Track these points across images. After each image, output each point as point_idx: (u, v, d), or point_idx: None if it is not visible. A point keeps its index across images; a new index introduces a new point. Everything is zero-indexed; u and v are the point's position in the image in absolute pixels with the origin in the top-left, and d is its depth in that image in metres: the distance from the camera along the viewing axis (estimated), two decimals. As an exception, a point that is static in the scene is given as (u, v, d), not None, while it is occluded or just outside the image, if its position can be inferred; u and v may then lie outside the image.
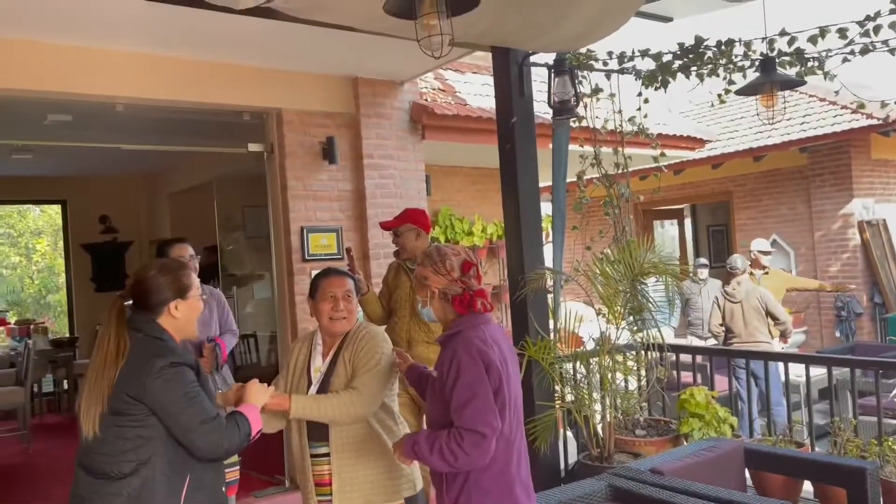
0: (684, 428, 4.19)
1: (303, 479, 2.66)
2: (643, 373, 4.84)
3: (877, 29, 3.43)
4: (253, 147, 5.15)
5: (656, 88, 4.23)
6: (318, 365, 2.67)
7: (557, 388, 4.29)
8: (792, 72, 3.76)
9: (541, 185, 4.64)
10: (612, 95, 4.62)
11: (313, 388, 2.62)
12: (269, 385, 2.55)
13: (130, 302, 2.17)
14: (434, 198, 6.44)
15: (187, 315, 2.22)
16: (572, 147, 4.71)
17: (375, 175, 5.30)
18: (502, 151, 4.30)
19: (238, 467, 3.14)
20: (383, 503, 2.57)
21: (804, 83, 3.84)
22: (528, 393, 4.14)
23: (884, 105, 4.64)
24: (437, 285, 2.32)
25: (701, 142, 7.16)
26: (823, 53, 3.60)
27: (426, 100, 5.65)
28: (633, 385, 4.87)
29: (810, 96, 9.67)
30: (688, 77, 4.04)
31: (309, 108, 5.12)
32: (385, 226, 4.19)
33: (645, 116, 4.37)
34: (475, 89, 6.29)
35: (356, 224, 5.24)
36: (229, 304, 4.10)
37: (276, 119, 5.07)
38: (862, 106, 4.71)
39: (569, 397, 4.38)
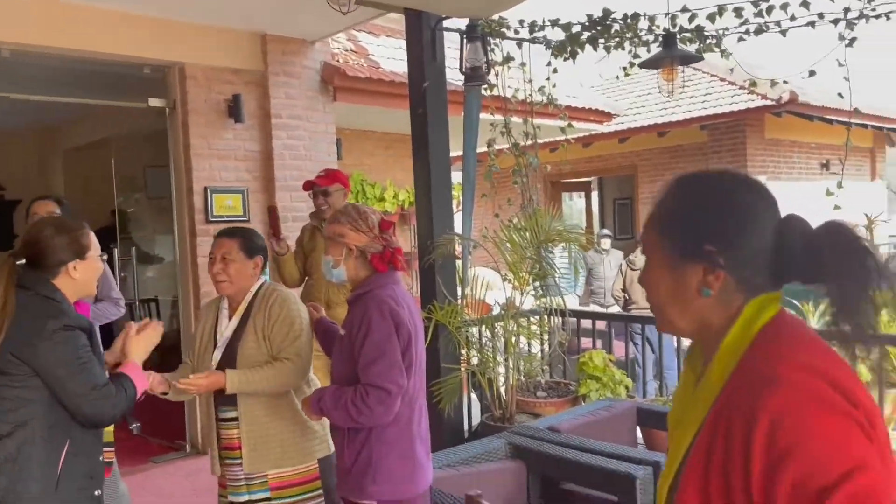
0: (583, 389, 4.37)
1: (211, 444, 2.62)
2: (546, 337, 5.01)
3: (769, 10, 3.60)
4: (154, 102, 4.92)
5: (565, 59, 4.31)
6: (223, 328, 2.61)
7: (463, 351, 4.39)
8: (692, 48, 3.91)
9: (453, 154, 4.68)
10: (522, 65, 4.67)
11: (217, 352, 2.56)
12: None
13: (23, 261, 2.05)
14: (346, 162, 6.35)
15: (86, 276, 2.12)
16: (484, 115, 4.75)
17: (284, 136, 5.17)
18: (414, 116, 4.29)
19: (113, 449, 3.01)
20: (296, 465, 2.54)
21: (702, 59, 4.00)
22: (435, 356, 4.21)
23: (773, 83, 4.89)
24: (357, 242, 2.30)
25: (608, 115, 7.35)
26: (721, 31, 3.76)
27: (338, 61, 5.54)
28: (536, 349, 5.04)
29: (712, 76, 10.09)
30: (595, 49, 4.13)
31: (214, 64, 4.93)
32: (317, 183, 4.01)
33: (553, 86, 4.44)
34: (389, 53, 6.22)
35: (263, 185, 5.12)
36: (129, 268, 3.92)
37: (178, 74, 4.86)
38: (754, 84, 4.95)
39: (474, 360, 4.48)
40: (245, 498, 2.55)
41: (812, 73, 3.38)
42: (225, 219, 4.82)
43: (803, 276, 1.02)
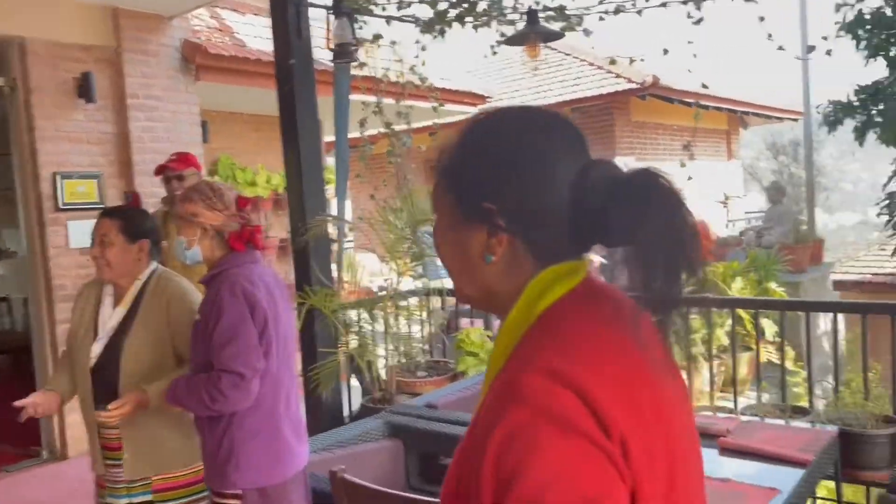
0: (461, 366, 4.41)
1: (91, 445, 2.40)
2: (426, 318, 5.02)
3: (627, -10, 3.74)
4: (-10, 81, 4.50)
5: (434, 37, 4.30)
6: (105, 317, 2.37)
7: (344, 335, 4.32)
8: (556, 27, 4.00)
9: (327, 139, 4.57)
10: (393, 43, 4.62)
11: (98, 345, 2.33)
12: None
13: None
14: (212, 145, 6.08)
15: None
16: (356, 96, 4.67)
17: (142, 117, 4.87)
18: (281, 95, 4.14)
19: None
20: (181, 468, 2.36)
21: (563, 36, 4.10)
22: (311, 341, 4.12)
23: (632, 61, 5.10)
24: (212, 221, 2.17)
25: (482, 98, 7.44)
26: (582, 11, 3.87)
27: (200, 38, 5.27)
28: (416, 330, 5.04)
29: (581, 60, 10.45)
30: (463, 26, 4.14)
31: (60, 40, 4.55)
32: (169, 168, 3.79)
33: (423, 64, 4.43)
34: (255, 31, 5.98)
35: (120, 170, 4.80)
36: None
37: (18, 50, 4.45)
38: (613, 62, 5.13)
39: (353, 344, 4.42)
40: (125, 501, 2.35)
41: (665, 52, 3.55)
42: (77, 206, 4.48)
43: (608, 236, 0.85)
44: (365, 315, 4.50)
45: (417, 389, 4.33)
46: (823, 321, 6.44)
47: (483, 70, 11.40)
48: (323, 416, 4.11)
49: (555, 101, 9.89)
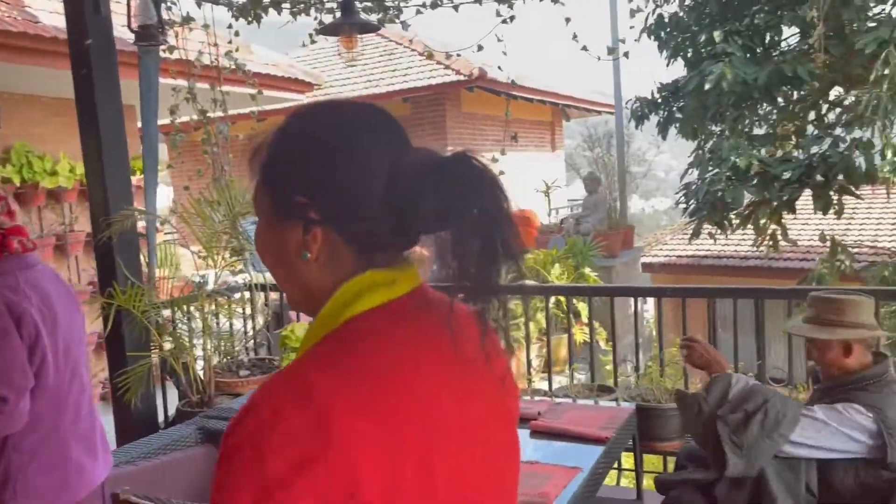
0: (285, 363, 4.30)
1: None
2: (248, 314, 4.84)
3: (443, -16, 3.79)
4: None
5: (249, 22, 4.12)
6: None
7: (159, 337, 4.05)
8: (374, 18, 3.97)
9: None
10: (206, 26, 4.37)
11: None
12: None
13: None
14: (5, 131, 5.47)
15: None
16: (166, 80, 4.38)
17: None
18: (77, 77, 3.78)
19: None
20: None
21: (379, 28, 4.08)
22: (119, 345, 3.84)
23: (448, 56, 5.20)
24: None
25: (310, 85, 7.27)
26: (400, 3, 3.87)
27: (-19, 11, 4.70)
28: (240, 327, 4.84)
29: (412, 50, 10.51)
30: (279, 13, 4.00)
31: None
32: None
33: (237, 50, 4.23)
34: (52, 6, 5.42)
35: None
36: None
37: None
38: (430, 55, 5.20)
39: (168, 345, 4.16)
40: None
41: (480, 48, 3.64)
42: None
43: (424, 222, 0.82)
44: (189, 314, 4.27)
45: (238, 389, 4.17)
46: (633, 302, 6.97)
47: (314, 56, 11.17)
48: (134, 424, 3.84)
49: (385, 91, 9.90)
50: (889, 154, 5.30)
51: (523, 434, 2.93)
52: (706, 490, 2.48)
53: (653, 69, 8.49)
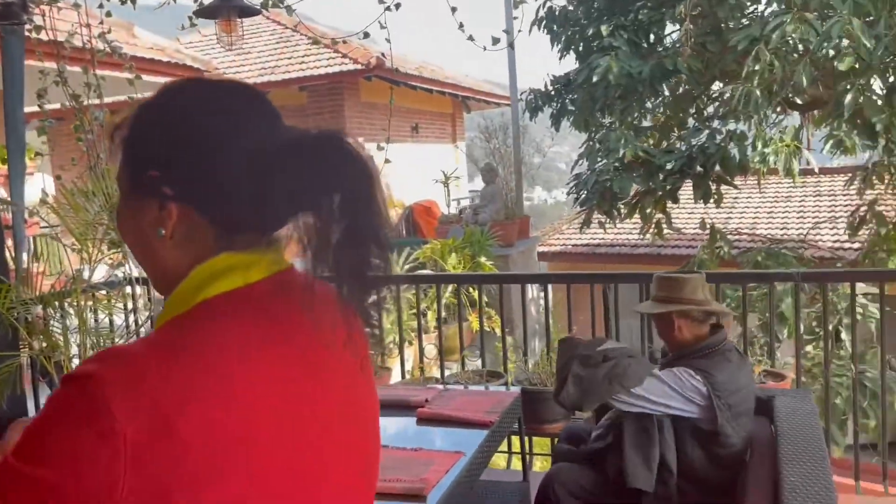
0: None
1: None
2: (130, 307, 4.63)
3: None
4: None
5: (123, 2, 3.91)
6: None
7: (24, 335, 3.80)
8: (257, 1, 3.86)
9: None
10: (76, 5, 4.12)
11: None
12: None
13: None
14: None
15: None
16: (34, 63, 4.10)
17: None
18: (-73, 58, 3.50)
19: None
20: None
21: (260, 12, 3.97)
22: (-18, 345, 3.59)
23: (334, 42, 5.14)
24: None
25: (198, 71, 7.01)
26: (284, -13, 3.77)
27: None
28: (120, 322, 4.63)
29: (310, 38, 10.32)
30: (154, -6, 3.82)
31: None
32: None
33: (109, 31, 4.02)
34: None
35: None
36: None
37: None
38: (316, 42, 5.13)
39: (39, 345, 3.92)
40: None
41: (366, 35, 3.60)
42: None
43: (284, 205, 0.79)
44: (63, 311, 4.03)
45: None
46: (530, 290, 7.14)
47: (205, 43, 10.78)
48: (4, 429, 3.61)
49: (280, 79, 9.68)
50: (759, 146, 5.65)
51: (409, 421, 2.94)
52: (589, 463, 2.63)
53: (546, 61, 8.69)
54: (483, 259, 6.91)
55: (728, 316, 2.74)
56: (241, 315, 0.80)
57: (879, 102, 5.28)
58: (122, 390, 0.70)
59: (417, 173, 10.24)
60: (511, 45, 3.70)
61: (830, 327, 5.56)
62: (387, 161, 3.15)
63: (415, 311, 5.07)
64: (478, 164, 10.09)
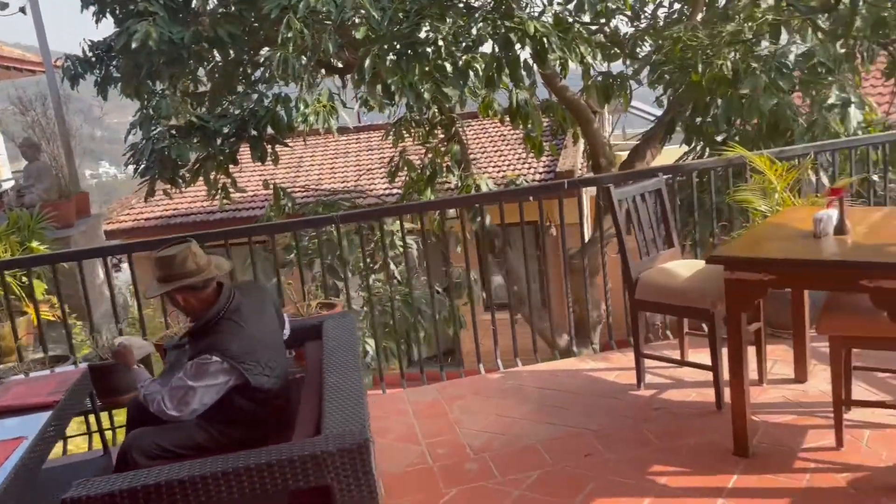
0: None
1: None
2: None
3: None
4: None
5: None
6: None
7: None
8: None
9: None
10: None
11: None
12: None
13: None
14: None
15: None
16: None
17: None
18: None
19: None
20: None
21: None
22: None
23: None
24: None
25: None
26: None
27: None
28: None
29: None
30: None
31: None
32: None
33: None
34: None
35: None
36: None
37: None
38: None
39: None
40: None
41: None
42: None
43: None
44: None
45: None
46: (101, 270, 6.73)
47: None
48: None
49: None
50: (302, 107, 6.18)
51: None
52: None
53: (86, 25, 8.04)
54: (36, 244, 6.26)
55: (224, 271, 2.79)
56: None
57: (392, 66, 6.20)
58: None
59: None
60: (22, 10, 3.45)
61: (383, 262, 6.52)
62: None
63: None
64: (15, 141, 8.92)
